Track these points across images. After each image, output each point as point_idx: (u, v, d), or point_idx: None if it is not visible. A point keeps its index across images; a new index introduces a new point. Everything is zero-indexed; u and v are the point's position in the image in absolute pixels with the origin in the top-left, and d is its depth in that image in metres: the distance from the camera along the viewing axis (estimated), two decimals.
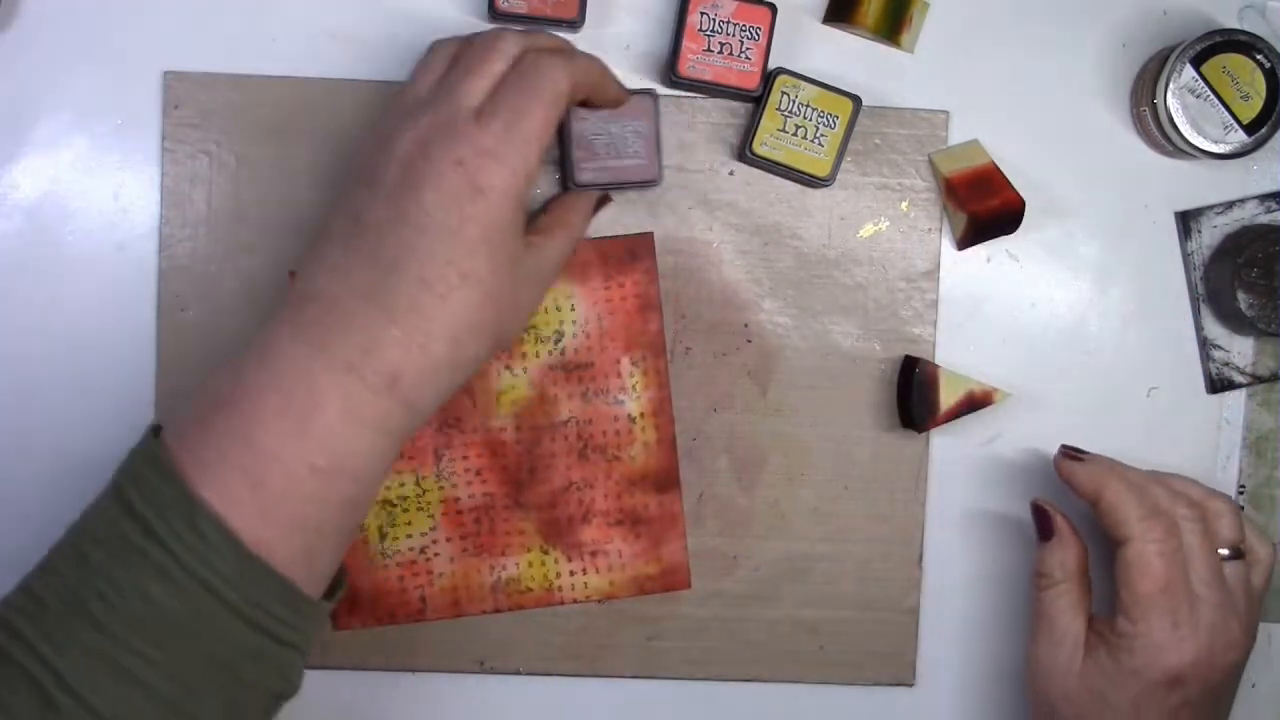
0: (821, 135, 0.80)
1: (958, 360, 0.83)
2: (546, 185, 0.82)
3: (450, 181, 0.65)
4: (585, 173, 0.80)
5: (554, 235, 0.74)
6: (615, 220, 0.83)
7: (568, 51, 0.71)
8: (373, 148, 0.69)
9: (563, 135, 0.80)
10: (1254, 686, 0.86)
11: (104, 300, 0.81)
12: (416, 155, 0.66)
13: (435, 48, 0.72)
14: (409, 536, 0.82)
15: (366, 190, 0.67)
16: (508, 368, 0.82)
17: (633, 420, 0.83)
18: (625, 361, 0.83)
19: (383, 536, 0.82)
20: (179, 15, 0.81)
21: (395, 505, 0.82)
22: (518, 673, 0.84)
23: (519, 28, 0.75)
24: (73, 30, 0.81)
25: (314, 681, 0.82)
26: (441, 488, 0.82)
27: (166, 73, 0.81)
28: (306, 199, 0.81)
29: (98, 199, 0.81)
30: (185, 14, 0.81)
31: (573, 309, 0.82)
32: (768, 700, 0.85)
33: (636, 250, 0.83)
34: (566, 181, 0.80)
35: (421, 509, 0.82)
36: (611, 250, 0.83)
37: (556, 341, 0.82)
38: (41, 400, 0.81)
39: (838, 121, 0.80)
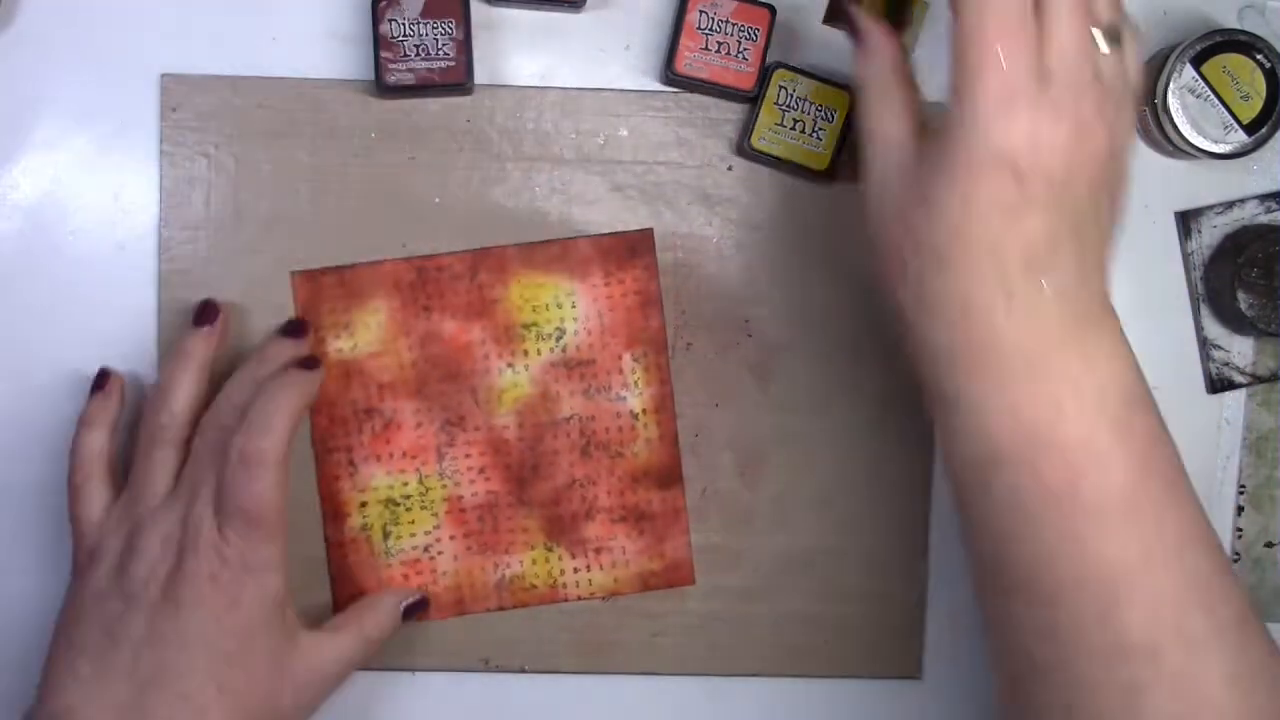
0: (820, 129, 0.80)
1: None
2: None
3: (208, 598, 0.66)
4: (392, 75, 0.79)
5: (340, 635, 0.75)
6: (614, 217, 0.83)
7: (278, 398, 0.73)
8: (123, 553, 0.69)
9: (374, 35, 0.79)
10: None
11: (104, 300, 0.81)
12: (172, 567, 0.67)
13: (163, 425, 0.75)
14: (412, 535, 0.83)
15: (121, 603, 0.67)
16: (509, 365, 0.82)
17: (635, 417, 0.83)
18: (627, 358, 0.83)
19: (386, 535, 0.83)
20: (178, 16, 0.81)
21: (399, 504, 0.82)
22: (522, 670, 0.84)
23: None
24: (72, 31, 0.81)
25: None
26: (444, 486, 0.83)
27: (163, 75, 0.81)
28: (306, 200, 0.81)
29: (98, 199, 0.81)
30: (184, 14, 0.81)
31: (573, 305, 0.82)
32: (773, 695, 0.85)
33: (636, 246, 0.83)
34: (377, 83, 0.79)
35: (425, 507, 0.83)
36: (611, 247, 0.83)
37: (558, 339, 0.82)
38: (41, 401, 0.81)
39: (836, 115, 0.80)
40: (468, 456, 0.83)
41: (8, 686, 0.80)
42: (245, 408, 0.71)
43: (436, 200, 0.82)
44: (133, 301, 0.81)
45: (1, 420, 0.81)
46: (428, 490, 0.83)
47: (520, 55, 0.82)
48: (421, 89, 0.79)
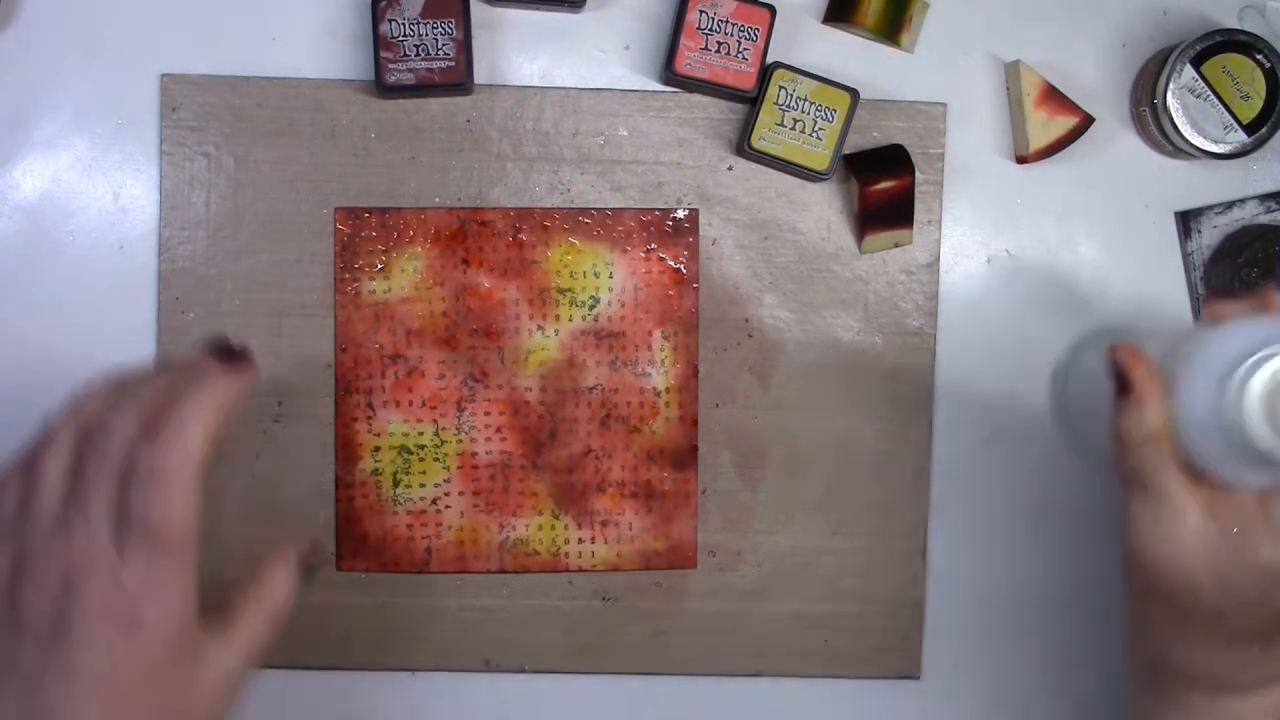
0: (820, 129, 0.80)
1: (957, 359, 0.84)
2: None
3: (101, 631, 0.57)
4: (392, 75, 0.79)
5: (243, 623, 0.63)
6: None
7: (194, 402, 0.60)
8: (5, 573, 0.59)
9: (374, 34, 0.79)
10: None
11: (104, 301, 0.82)
12: (60, 595, 0.57)
13: (55, 429, 0.64)
14: (422, 486, 0.83)
15: (11, 635, 0.58)
16: (540, 328, 0.83)
17: (658, 394, 0.83)
18: (657, 335, 0.83)
19: (395, 483, 0.83)
20: (178, 16, 0.81)
21: (412, 453, 0.83)
22: (522, 670, 0.84)
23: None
24: (72, 31, 0.81)
25: (316, 681, 0.83)
26: (460, 440, 0.83)
27: (163, 75, 0.81)
28: (305, 200, 0.81)
29: (98, 199, 0.81)
30: (184, 14, 0.81)
31: (610, 276, 0.83)
32: (773, 694, 0.85)
33: (681, 225, 0.83)
34: (377, 83, 0.79)
35: (438, 459, 0.83)
36: (656, 222, 0.83)
37: (591, 307, 0.83)
38: (41, 401, 0.81)
39: (835, 115, 0.80)
40: (487, 414, 0.83)
41: None
42: (154, 412, 0.60)
43: (436, 200, 0.82)
44: (133, 301, 0.82)
45: (1, 420, 0.81)
46: (443, 443, 0.83)
47: (520, 55, 0.82)
48: (421, 89, 0.79)
